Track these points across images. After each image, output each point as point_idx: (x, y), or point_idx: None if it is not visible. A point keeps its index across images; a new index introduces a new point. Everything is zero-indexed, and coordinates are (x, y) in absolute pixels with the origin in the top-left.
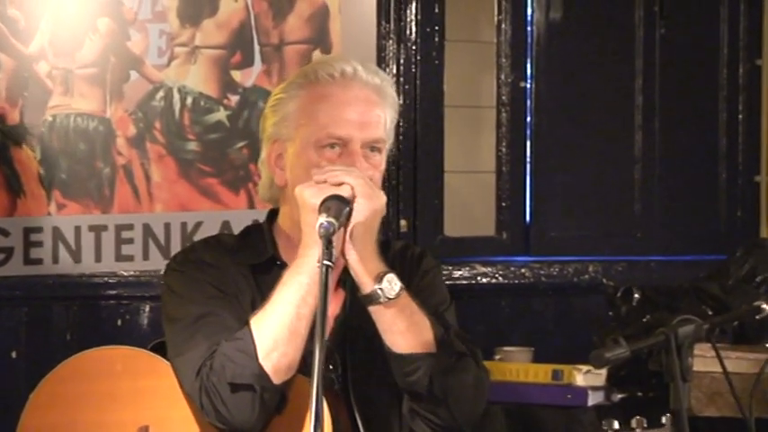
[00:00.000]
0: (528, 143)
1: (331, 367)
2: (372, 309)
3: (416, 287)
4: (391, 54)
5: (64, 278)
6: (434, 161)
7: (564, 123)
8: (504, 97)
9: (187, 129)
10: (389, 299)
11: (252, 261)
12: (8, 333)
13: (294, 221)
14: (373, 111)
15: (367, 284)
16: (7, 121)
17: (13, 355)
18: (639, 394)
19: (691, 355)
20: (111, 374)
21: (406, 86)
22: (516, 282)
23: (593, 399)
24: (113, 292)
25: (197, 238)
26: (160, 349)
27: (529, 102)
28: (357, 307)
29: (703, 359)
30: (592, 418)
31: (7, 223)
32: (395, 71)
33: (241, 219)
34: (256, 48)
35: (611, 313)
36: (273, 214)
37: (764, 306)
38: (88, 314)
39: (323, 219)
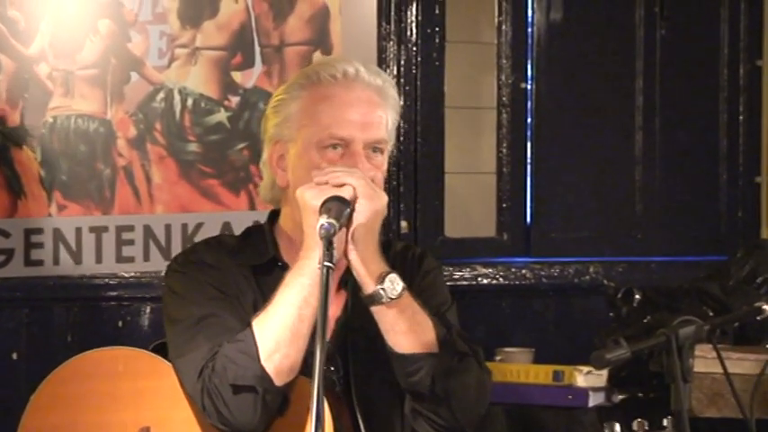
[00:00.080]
0: (528, 144)
1: (332, 368)
2: (374, 309)
3: (418, 288)
4: (392, 55)
5: (64, 279)
6: (435, 162)
7: (564, 124)
8: (504, 98)
9: (188, 130)
10: (392, 299)
11: (253, 262)
12: (9, 334)
13: (296, 222)
14: (375, 112)
15: (369, 285)
16: (8, 122)
17: (14, 356)
18: (640, 395)
19: (691, 356)
20: (113, 375)
21: (407, 87)
22: (517, 283)
23: (594, 400)
24: (114, 293)
25: (198, 239)
26: (161, 350)
27: (529, 103)
28: (358, 308)
29: (704, 360)
30: (592, 419)
31: (8, 224)
32: (395, 72)
33: (242, 220)
34: (257, 49)
35: (611, 314)
36: (275, 215)
37: (765, 307)
38: (89, 315)
39: (323, 220)
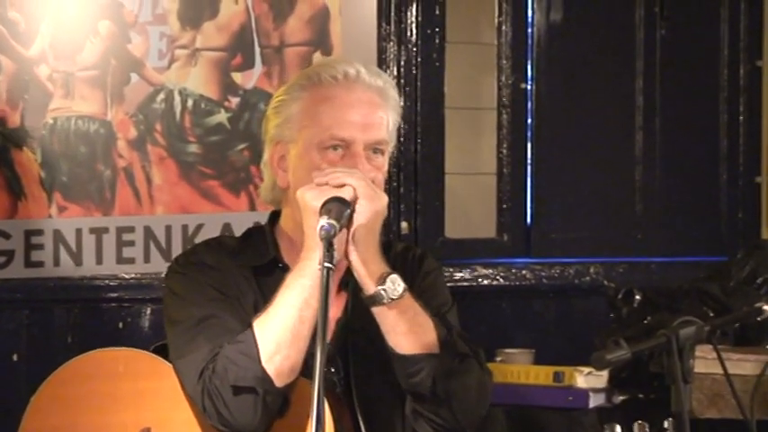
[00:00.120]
0: (529, 145)
1: (333, 370)
2: (375, 310)
3: (418, 288)
4: (392, 56)
5: (65, 281)
6: (435, 163)
7: (565, 125)
8: (504, 99)
9: (188, 131)
10: (393, 299)
11: (254, 263)
12: (9, 336)
13: (296, 223)
14: (376, 113)
15: (370, 285)
16: (8, 123)
17: (15, 357)
18: (640, 396)
19: (692, 357)
20: (113, 376)
21: (407, 88)
22: (517, 283)
23: (595, 401)
24: (114, 294)
25: (198, 240)
26: (162, 352)
27: (529, 103)
28: (359, 309)
29: (704, 361)
30: (593, 420)
31: (8, 226)
32: (395, 73)
33: (242, 221)
34: (257, 50)
35: (611, 315)
36: (275, 216)
37: (765, 307)
38: (89, 317)
39: (323, 221)
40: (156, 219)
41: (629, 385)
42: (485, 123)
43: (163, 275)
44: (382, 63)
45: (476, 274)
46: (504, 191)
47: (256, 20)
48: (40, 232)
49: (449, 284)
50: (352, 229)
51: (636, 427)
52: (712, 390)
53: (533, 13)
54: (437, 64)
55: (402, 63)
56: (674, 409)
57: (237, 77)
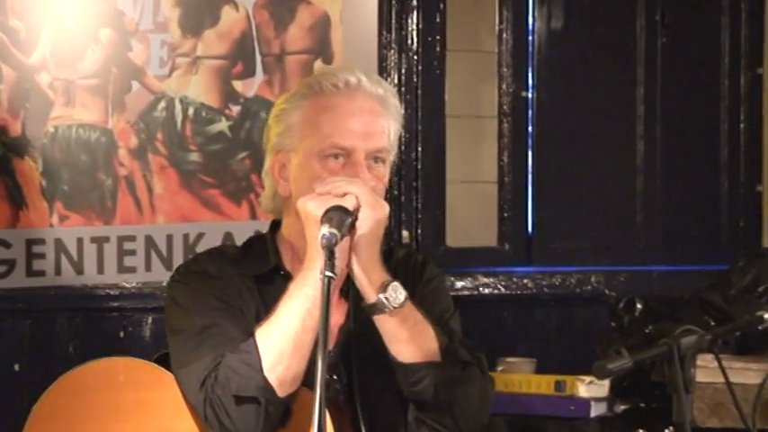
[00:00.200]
0: (530, 153)
1: (335, 377)
2: (377, 318)
3: (420, 295)
4: (393, 64)
5: (66, 290)
6: (436, 171)
7: (565, 133)
8: (505, 107)
9: (189, 139)
10: (394, 308)
11: (255, 272)
12: (11, 345)
13: (299, 231)
14: (377, 121)
15: (371, 294)
16: (9, 132)
17: (16, 367)
18: (642, 405)
19: (693, 366)
20: (114, 386)
21: (408, 96)
22: (518, 292)
23: (596, 410)
24: (116, 303)
25: (199, 249)
26: (164, 361)
27: (530, 111)
28: (361, 316)
29: (706, 370)
30: (594, 430)
31: (9, 235)
32: (396, 81)
33: (243, 230)
34: (258, 58)
35: (613, 324)
36: (276, 225)
37: (767, 316)
38: (91, 326)
39: (325, 230)
40: (158, 228)
41: (631, 394)
42: (486, 131)
43: (164, 284)
44: (383, 71)
45: (477, 282)
46: (505, 199)
47: (257, 28)
48: (41, 241)
49: (450, 293)
50: (354, 238)
51: None
52: (714, 399)
53: (534, 20)
54: (438, 72)
55: (403, 71)
56: (675, 419)
57: (238, 85)
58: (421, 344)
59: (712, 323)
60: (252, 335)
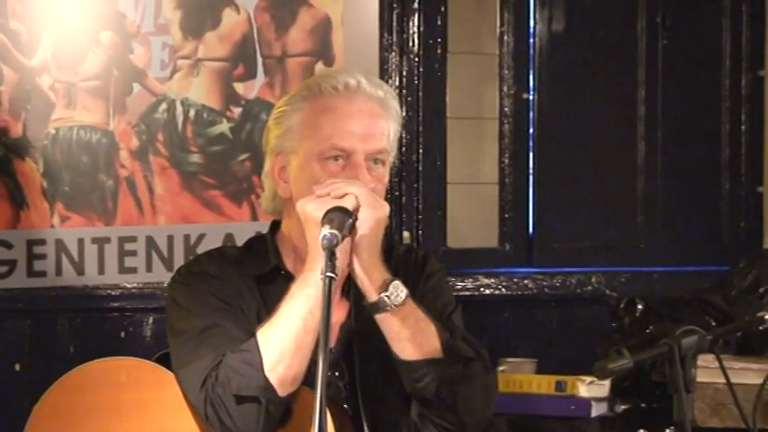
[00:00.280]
0: (530, 154)
1: (337, 374)
2: (378, 317)
3: (421, 291)
4: (394, 66)
5: (67, 290)
6: (437, 173)
7: (566, 134)
8: (506, 109)
9: (190, 141)
10: (396, 306)
11: (256, 272)
12: (11, 345)
13: (300, 232)
14: (377, 123)
15: (372, 293)
16: (10, 133)
17: (17, 367)
18: (643, 405)
19: (694, 366)
20: (116, 386)
21: (409, 98)
22: (519, 293)
23: (597, 410)
24: (116, 304)
25: (200, 250)
26: (164, 361)
27: (531, 113)
28: (363, 313)
29: (707, 370)
30: (595, 430)
31: (10, 236)
32: (397, 83)
33: (244, 231)
34: (259, 60)
35: (614, 324)
36: (276, 225)
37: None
38: (91, 326)
39: (326, 231)
40: (158, 229)
41: (632, 394)
42: (486, 133)
43: (165, 285)
44: (384, 73)
45: (478, 283)
46: (505, 200)
47: (258, 30)
48: (42, 242)
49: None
50: (354, 238)
51: None
52: (714, 399)
53: (535, 23)
54: (439, 74)
55: (404, 73)
56: (676, 419)
57: (239, 88)
58: (423, 341)
59: (713, 324)
60: (253, 335)
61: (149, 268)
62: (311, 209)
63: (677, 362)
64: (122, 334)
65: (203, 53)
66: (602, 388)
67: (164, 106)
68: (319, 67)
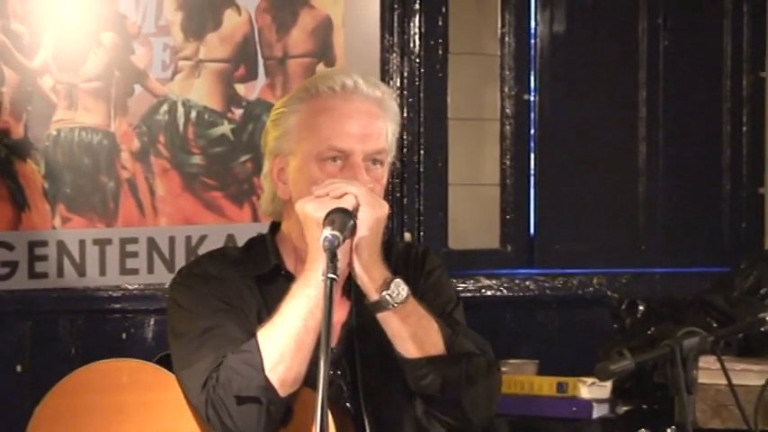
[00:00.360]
0: (532, 156)
1: (339, 372)
2: (380, 316)
3: (422, 287)
4: (395, 67)
5: (68, 292)
6: (438, 174)
7: (568, 136)
8: (507, 110)
9: (191, 142)
10: (397, 304)
11: (256, 272)
12: (13, 347)
13: (300, 233)
14: (375, 123)
15: (373, 292)
16: (12, 135)
17: (18, 368)
18: (644, 407)
19: (696, 368)
20: (117, 387)
21: (410, 99)
22: (521, 294)
23: (598, 411)
24: (118, 305)
25: (201, 251)
26: (165, 362)
27: (532, 114)
28: (364, 312)
29: (708, 371)
30: (597, 431)
31: (12, 237)
32: (398, 84)
33: (245, 232)
34: (260, 61)
35: (615, 326)
36: (276, 226)
37: None
38: (93, 328)
39: (327, 232)
40: (160, 230)
41: (633, 396)
42: (488, 134)
43: (166, 286)
44: (385, 74)
45: (479, 284)
46: (507, 202)
47: (259, 31)
48: (43, 243)
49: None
50: (354, 239)
51: None
52: (716, 400)
53: (536, 24)
54: (440, 75)
55: (405, 74)
56: (677, 420)
57: (241, 89)
58: (425, 339)
59: (714, 325)
60: (254, 335)
61: (151, 270)
62: (310, 209)
63: (679, 363)
64: (123, 335)
65: (204, 54)
66: (603, 389)
67: (165, 107)
68: (320, 68)
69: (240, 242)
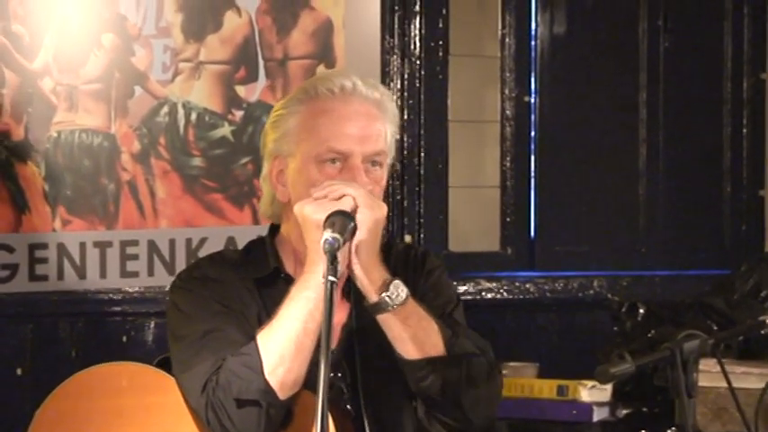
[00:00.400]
0: (532, 158)
1: (339, 375)
2: (380, 317)
3: (422, 289)
4: (395, 69)
5: (69, 294)
6: (439, 176)
7: (568, 138)
8: (508, 112)
9: (192, 144)
10: (397, 306)
11: (256, 275)
12: (13, 350)
13: (299, 236)
14: (374, 125)
15: (373, 294)
16: (12, 137)
17: (19, 371)
18: (645, 410)
19: (696, 371)
20: (117, 391)
21: (411, 101)
22: (521, 297)
23: (599, 414)
24: (118, 308)
25: (202, 253)
26: (165, 364)
27: (533, 116)
28: (364, 313)
29: (709, 374)
30: None
31: (12, 239)
32: (399, 86)
33: (246, 234)
34: (260, 63)
35: (615, 328)
36: (275, 228)
37: None
38: (93, 330)
39: (328, 235)
40: (160, 232)
41: (633, 399)
42: (488, 136)
43: (166, 289)
44: (386, 76)
45: (479, 287)
46: (507, 204)
47: (260, 33)
48: (44, 246)
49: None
50: (354, 240)
51: None
52: (716, 403)
53: (536, 25)
54: (440, 77)
55: (405, 76)
56: (677, 423)
57: (241, 91)
58: (425, 340)
59: (715, 328)
60: (253, 338)
61: (151, 272)
62: (309, 211)
63: (679, 366)
64: (124, 338)
65: (205, 56)
66: (603, 392)
67: (165, 109)
68: (321, 69)
69: (241, 244)
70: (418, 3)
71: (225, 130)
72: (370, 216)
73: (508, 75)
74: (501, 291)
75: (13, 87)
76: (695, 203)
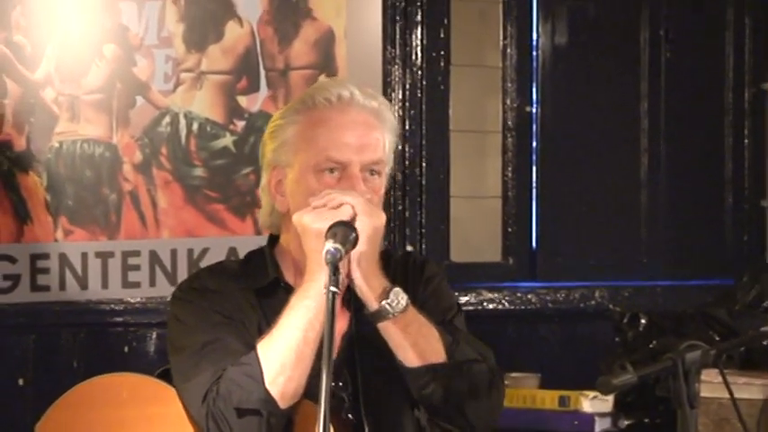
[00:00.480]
0: (534, 168)
1: (341, 384)
2: (381, 326)
3: (421, 296)
4: (397, 79)
5: (71, 305)
6: (440, 186)
7: (570, 148)
8: (509, 122)
9: (193, 154)
10: (397, 313)
11: (256, 285)
12: (15, 360)
13: (299, 245)
14: (372, 134)
15: (373, 302)
16: (14, 147)
17: (20, 382)
18: (646, 421)
19: (698, 381)
20: (118, 402)
21: (412, 111)
22: (522, 307)
23: (600, 425)
24: (120, 318)
25: (203, 264)
26: (167, 376)
27: (534, 126)
28: (365, 322)
29: (711, 385)
30: None
31: (14, 250)
32: (400, 96)
33: (247, 244)
34: (262, 73)
35: (617, 339)
36: (274, 239)
37: None
38: (95, 341)
39: (329, 245)
40: (162, 243)
41: (635, 410)
42: (490, 146)
43: (168, 300)
44: (387, 86)
45: (481, 297)
46: (509, 214)
47: (261, 43)
48: (45, 256)
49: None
50: (355, 252)
51: None
52: (719, 414)
53: (538, 36)
54: (442, 87)
55: (407, 86)
56: None
57: (243, 101)
58: (426, 347)
59: (717, 338)
60: (254, 348)
61: (153, 283)
62: (308, 220)
63: (681, 377)
64: (126, 349)
65: (206, 66)
66: (605, 403)
67: (167, 119)
68: (322, 79)
69: (242, 255)
70: (420, 13)
71: (226, 141)
72: (369, 224)
73: (510, 85)
74: (502, 301)
75: (14, 98)
76: (697, 213)
